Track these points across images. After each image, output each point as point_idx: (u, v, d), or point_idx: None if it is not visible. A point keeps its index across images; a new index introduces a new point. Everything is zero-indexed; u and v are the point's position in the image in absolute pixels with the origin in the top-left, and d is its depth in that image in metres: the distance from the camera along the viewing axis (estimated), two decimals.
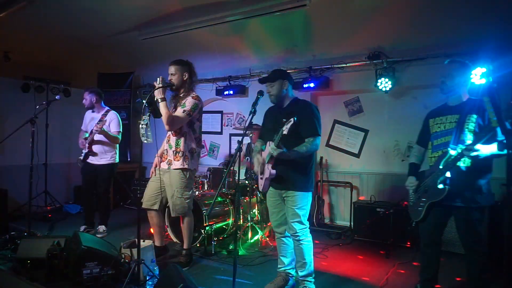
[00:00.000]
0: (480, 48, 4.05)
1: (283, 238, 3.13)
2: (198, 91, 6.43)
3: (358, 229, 4.60)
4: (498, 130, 2.24)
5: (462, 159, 2.42)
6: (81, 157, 4.55)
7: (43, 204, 5.89)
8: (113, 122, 4.51)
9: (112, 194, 6.38)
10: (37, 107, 4.35)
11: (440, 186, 2.49)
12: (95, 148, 4.49)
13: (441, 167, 2.51)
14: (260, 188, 3.10)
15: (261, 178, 3.04)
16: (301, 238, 2.88)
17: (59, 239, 3.38)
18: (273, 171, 2.87)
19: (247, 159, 5.06)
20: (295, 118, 2.63)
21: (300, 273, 2.96)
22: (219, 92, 6.12)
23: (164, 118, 3.26)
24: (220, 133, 6.75)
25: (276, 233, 3.18)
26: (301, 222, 2.88)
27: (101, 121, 4.45)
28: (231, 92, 5.93)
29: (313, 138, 2.83)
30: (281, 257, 3.17)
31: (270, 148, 2.78)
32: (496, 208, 3.62)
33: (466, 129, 2.45)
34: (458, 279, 3.30)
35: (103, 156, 4.53)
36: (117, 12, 4.96)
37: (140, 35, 5.46)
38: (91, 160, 4.53)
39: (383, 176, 5.08)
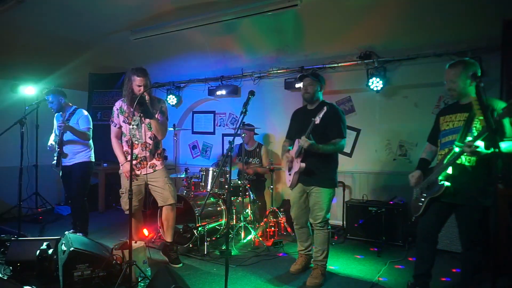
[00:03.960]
0: (469, 48, 4.11)
1: (302, 228, 3.46)
2: (190, 91, 6.55)
3: (351, 228, 4.63)
4: (507, 128, 2.28)
5: (468, 158, 2.43)
6: (54, 162, 4.28)
7: (33, 206, 5.82)
8: (81, 119, 4.26)
9: (103, 195, 6.36)
10: (27, 108, 4.30)
11: (441, 182, 2.50)
12: (66, 149, 4.23)
13: (444, 163, 2.52)
14: (288, 184, 3.43)
15: (290, 174, 3.36)
16: (323, 228, 3.23)
17: (50, 241, 3.35)
18: (303, 164, 3.14)
19: (239, 159, 5.06)
20: (327, 107, 2.87)
21: (318, 258, 3.26)
22: (212, 92, 6.12)
23: (163, 133, 3.61)
24: (213, 133, 6.74)
25: (295, 224, 3.48)
26: (324, 215, 3.20)
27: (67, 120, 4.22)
28: (224, 92, 5.93)
29: (339, 139, 3.14)
30: (300, 242, 3.51)
31: (302, 140, 2.99)
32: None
33: (474, 128, 2.43)
34: (442, 279, 3.33)
35: (74, 156, 4.28)
36: (108, 12, 4.93)
37: (132, 35, 5.43)
38: (64, 162, 4.28)
39: (375, 175, 5.12)
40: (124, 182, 3.64)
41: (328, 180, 3.21)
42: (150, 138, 3.59)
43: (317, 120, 2.88)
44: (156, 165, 3.65)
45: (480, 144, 2.26)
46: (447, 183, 2.48)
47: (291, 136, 3.47)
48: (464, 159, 2.46)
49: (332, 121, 3.10)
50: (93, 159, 4.44)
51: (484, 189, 2.42)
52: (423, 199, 2.67)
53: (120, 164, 3.65)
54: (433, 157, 2.89)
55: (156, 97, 3.73)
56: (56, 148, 4.22)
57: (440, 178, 2.52)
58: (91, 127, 4.36)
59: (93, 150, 4.44)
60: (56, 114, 4.41)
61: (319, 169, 3.18)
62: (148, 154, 3.59)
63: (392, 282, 3.31)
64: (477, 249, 2.51)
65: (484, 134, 2.24)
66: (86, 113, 4.36)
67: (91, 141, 4.42)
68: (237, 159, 5.26)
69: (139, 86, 3.43)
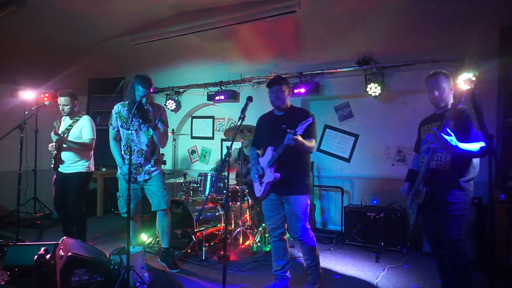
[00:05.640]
0: (467, 54, 4.14)
1: (278, 242, 3.20)
2: (189, 96, 6.57)
3: (349, 234, 4.62)
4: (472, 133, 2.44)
5: (439, 162, 2.59)
6: (52, 165, 4.13)
7: (32, 211, 5.81)
8: (85, 128, 4.11)
9: (102, 200, 6.35)
10: (26, 112, 4.30)
11: (422, 188, 2.63)
12: (64, 155, 4.09)
13: (423, 169, 2.63)
14: (258, 194, 3.15)
15: (261, 184, 3.09)
16: (305, 240, 3.05)
17: (48, 246, 3.34)
18: (278, 175, 2.94)
19: (239, 163, 5.06)
20: (310, 119, 2.68)
21: (310, 265, 3.15)
22: (210, 97, 6.13)
23: (164, 142, 3.64)
24: (212, 138, 6.76)
25: (272, 237, 3.24)
26: (304, 225, 3.03)
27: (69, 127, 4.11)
28: (222, 97, 5.94)
29: (310, 140, 2.96)
30: (276, 261, 3.22)
31: (292, 137, 2.67)
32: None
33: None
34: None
35: (73, 164, 4.12)
36: (108, 18, 4.95)
37: (132, 40, 5.46)
38: (61, 168, 4.15)
39: (373, 181, 5.12)
40: (121, 186, 3.66)
41: (303, 186, 3.04)
42: (146, 145, 3.60)
43: (300, 131, 2.67)
44: (152, 171, 3.66)
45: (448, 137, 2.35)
46: (426, 188, 2.60)
47: (259, 143, 3.26)
48: (436, 164, 2.60)
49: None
50: (92, 169, 4.28)
51: (458, 186, 2.53)
52: (413, 207, 2.78)
53: (118, 167, 3.66)
54: (420, 166, 2.96)
55: (156, 104, 3.74)
56: (54, 152, 4.09)
57: (422, 183, 2.65)
58: (95, 137, 4.20)
59: (92, 159, 4.29)
60: (64, 117, 4.25)
61: (295, 176, 3.01)
62: (143, 160, 3.61)
63: None
64: (459, 250, 2.52)
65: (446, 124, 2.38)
66: (91, 121, 4.20)
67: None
68: (237, 163, 5.26)
69: (142, 96, 3.44)
